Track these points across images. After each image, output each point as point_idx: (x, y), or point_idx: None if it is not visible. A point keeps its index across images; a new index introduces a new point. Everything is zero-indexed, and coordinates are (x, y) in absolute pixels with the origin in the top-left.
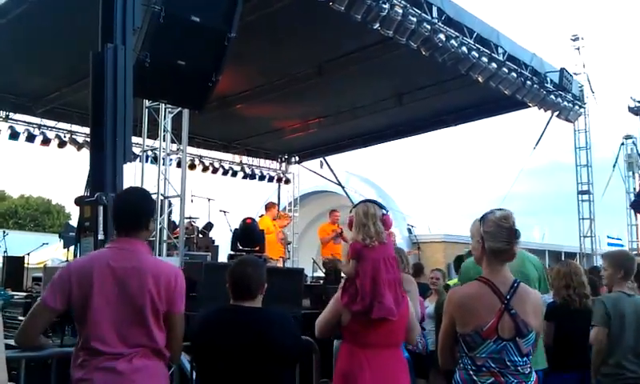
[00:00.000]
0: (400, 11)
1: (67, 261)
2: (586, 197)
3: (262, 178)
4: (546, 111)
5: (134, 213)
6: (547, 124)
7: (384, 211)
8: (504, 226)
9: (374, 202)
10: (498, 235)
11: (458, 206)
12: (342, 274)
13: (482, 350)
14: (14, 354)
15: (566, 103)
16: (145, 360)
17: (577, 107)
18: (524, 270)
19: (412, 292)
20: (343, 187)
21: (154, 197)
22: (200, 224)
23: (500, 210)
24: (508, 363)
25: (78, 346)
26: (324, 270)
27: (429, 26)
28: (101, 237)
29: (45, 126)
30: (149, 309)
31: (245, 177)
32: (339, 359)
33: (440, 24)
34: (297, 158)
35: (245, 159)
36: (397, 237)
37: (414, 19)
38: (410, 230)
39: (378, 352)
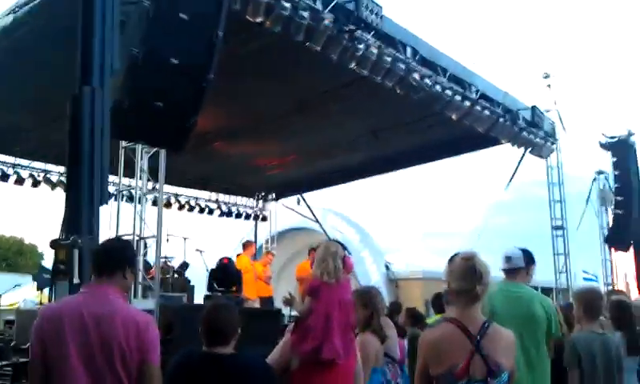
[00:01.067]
0: (375, 51)
1: (40, 303)
2: (560, 232)
3: (238, 215)
4: (519, 147)
5: (109, 257)
6: (520, 160)
7: (346, 253)
8: (466, 267)
9: (338, 242)
10: (460, 276)
11: (436, 243)
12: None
13: None
14: None
15: (538, 139)
16: None
17: (549, 143)
18: (531, 310)
19: (392, 337)
20: (320, 224)
21: (130, 237)
22: (175, 264)
23: (466, 251)
24: None
25: None
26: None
27: (403, 66)
28: (76, 280)
29: (19, 165)
30: (118, 357)
31: (221, 215)
32: None
33: (414, 63)
34: (274, 195)
35: (221, 197)
36: (374, 274)
37: (389, 59)
38: (387, 267)
39: None
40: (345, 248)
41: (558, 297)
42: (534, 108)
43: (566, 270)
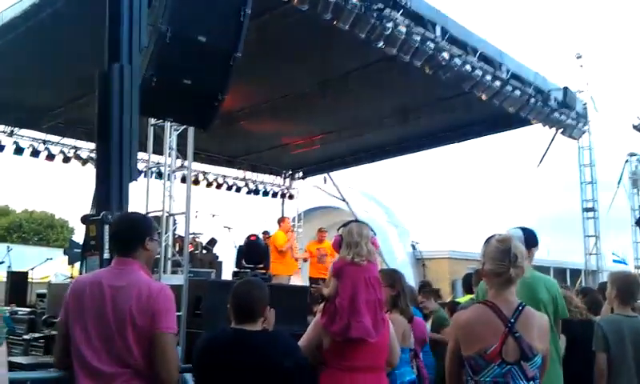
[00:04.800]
0: (404, 30)
1: (71, 276)
2: (590, 214)
3: (265, 193)
4: (550, 128)
5: (125, 236)
6: (551, 141)
7: (372, 234)
8: (500, 249)
9: (365, 223)
10: (495, 258)
11: (463, 222)
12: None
13: (486, 373)
14: (19, 376)
15: (570, 120)
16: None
17: (581, 124)
18: (534, 295)
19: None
20: (347, 203)
21: (160, 214)
22: (203, 240)
23: (502, 234)
24: None
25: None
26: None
27: (432, 45)
28: (106, 255)
29: (49, 141)
30: (129, 325)
31: (249, 192)
32: None
33: (443, 43)
34: (301, 174)
35: (249, 175)
36: (400, 253)
37: (418, 38)
38: (413, 246)
39: (361, 376)
40: (371, 229)
41: (587, 279)
42: (565, 89)
43: (597, 252)
